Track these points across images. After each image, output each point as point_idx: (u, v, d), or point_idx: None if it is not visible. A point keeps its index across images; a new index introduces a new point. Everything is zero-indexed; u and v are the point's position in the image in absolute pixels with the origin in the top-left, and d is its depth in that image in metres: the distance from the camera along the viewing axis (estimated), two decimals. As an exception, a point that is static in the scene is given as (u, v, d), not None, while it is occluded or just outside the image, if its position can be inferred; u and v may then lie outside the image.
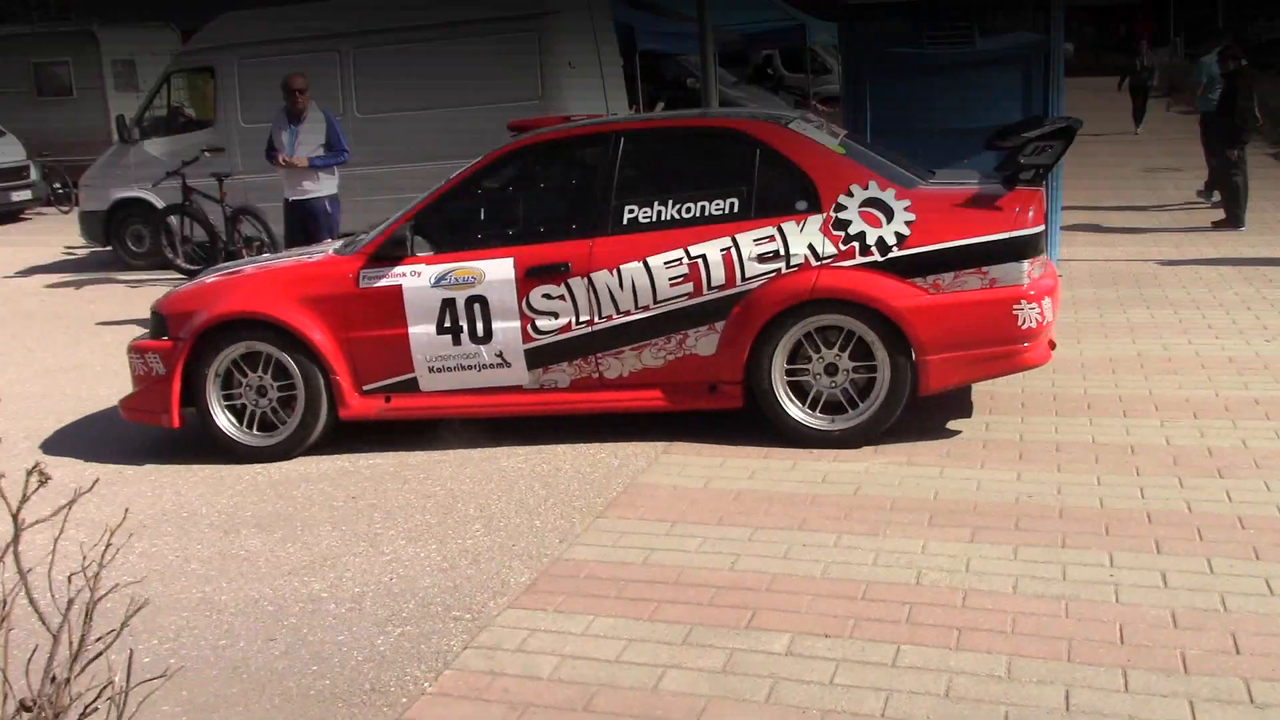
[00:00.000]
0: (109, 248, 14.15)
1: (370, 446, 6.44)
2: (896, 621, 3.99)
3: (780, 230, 5.87)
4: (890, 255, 5.76)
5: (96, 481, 2.90)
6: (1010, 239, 5.69)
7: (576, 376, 6.18)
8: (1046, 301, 5.78)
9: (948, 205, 5.87)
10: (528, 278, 6.07)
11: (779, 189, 5.98)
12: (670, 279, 5.93)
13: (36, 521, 2.53)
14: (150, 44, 22.07)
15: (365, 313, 6.23)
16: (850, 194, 5.87)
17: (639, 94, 16.86)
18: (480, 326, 6.13)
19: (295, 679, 3.95)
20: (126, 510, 3.06)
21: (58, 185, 20.07)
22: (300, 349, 6.30)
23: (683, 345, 6.02)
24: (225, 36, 13.26)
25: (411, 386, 6.28)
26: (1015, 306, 5.69)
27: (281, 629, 4.34)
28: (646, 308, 5.99)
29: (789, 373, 5.97)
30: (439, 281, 6.15)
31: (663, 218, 6.01)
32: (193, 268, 12.62)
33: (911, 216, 5.79)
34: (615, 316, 6.02)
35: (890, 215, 5.81)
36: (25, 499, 2.48)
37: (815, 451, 5.84)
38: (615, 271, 5.98)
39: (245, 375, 6.43)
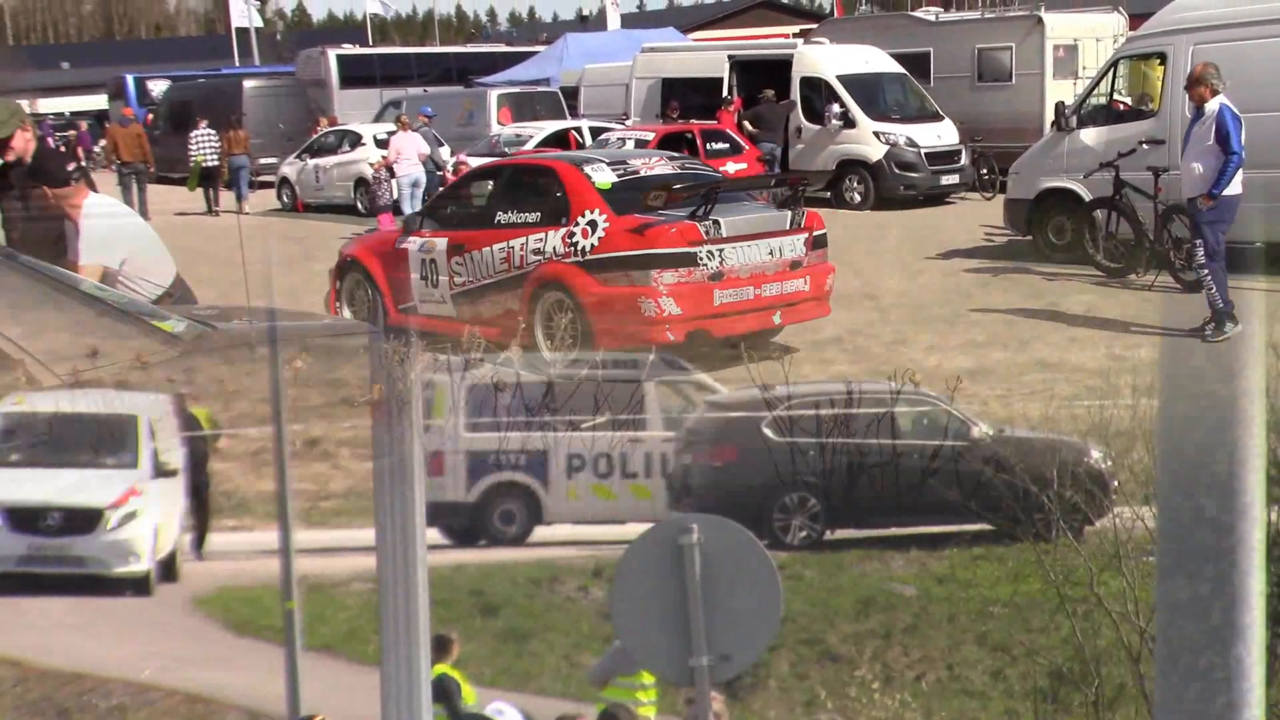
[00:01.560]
0: (1028, 237, 13.72)
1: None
2: None
3: (546, 235, 9.07)
4: (586, 257, 8.79)
5: None
6: (643, 254, 8.53)
7: (474, 313, 9.48)
8: (667, 300, 8.43)
9: (624, 229, 8.62)
10: (450, 250, 9.73)
11: (557, 209, 9.18)
12: (500, 259, 9.37)
13: None
14: (1094, 29, 21.48)
15: (395, 262, 10.15)
16: (584, 215, 8.89)
17: None
18: (434, 277, 9.86)
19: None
20: None
21: (984, 171, 20.14)
22: (371, 281, 10.40)
23: (509, 300, 9.27)
24: (1182, 19, 12.28)
25: (414, 310, 9.97)
26: (639, 300, 8.50)
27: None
28: (491, 275, 9.45)
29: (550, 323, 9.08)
30: (419, 248, 10.00)
31: (507, 221, 9.46)
32: (1113, 265, 12.00)
33: (603, 234, 8.71)
34: (482, 279, 9.51)
35: (595, 231, 8.76)
36: None
37: None
38: (482, 251, 9.47)
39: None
